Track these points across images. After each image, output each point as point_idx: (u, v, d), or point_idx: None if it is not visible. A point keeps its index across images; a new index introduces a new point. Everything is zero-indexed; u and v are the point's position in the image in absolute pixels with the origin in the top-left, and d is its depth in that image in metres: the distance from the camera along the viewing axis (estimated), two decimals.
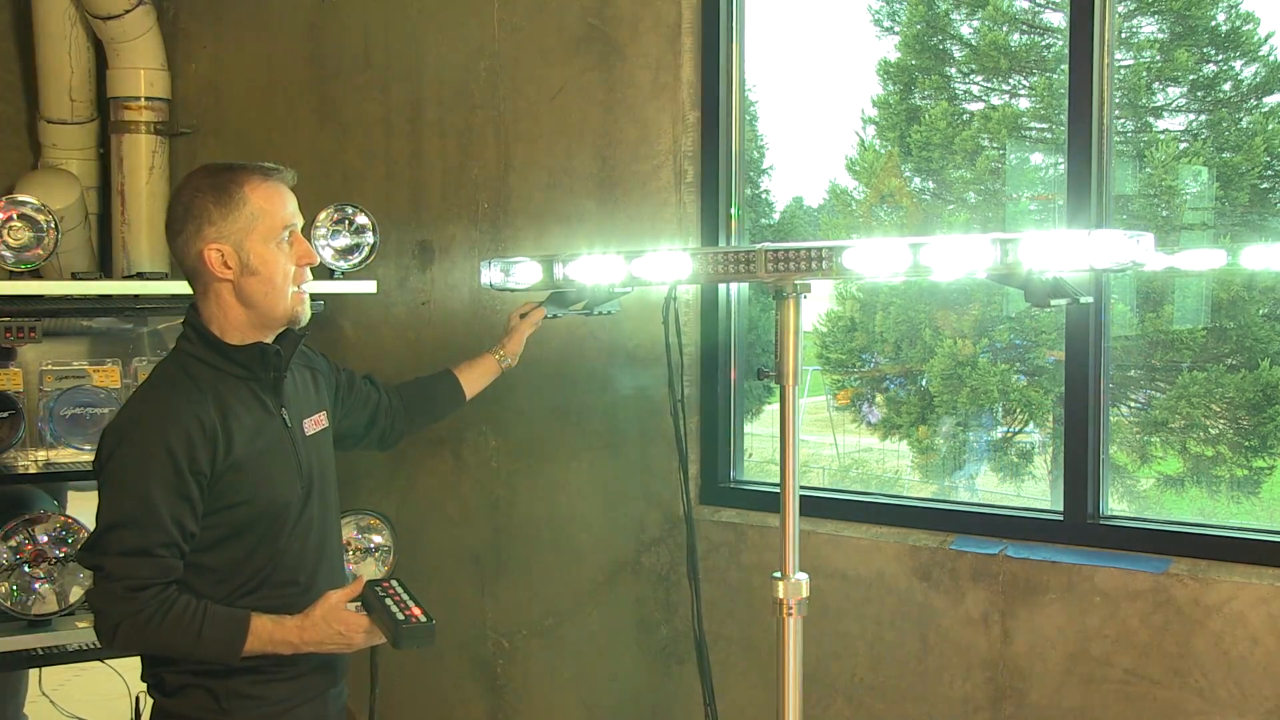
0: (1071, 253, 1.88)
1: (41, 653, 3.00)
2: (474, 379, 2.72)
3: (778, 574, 2.19)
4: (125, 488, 2.03)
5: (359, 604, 2.12)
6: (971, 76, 4.72)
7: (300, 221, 2.17)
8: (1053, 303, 2.01)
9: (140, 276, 3.37)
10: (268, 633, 2.05)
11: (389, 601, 2.09)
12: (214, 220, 2.07)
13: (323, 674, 2.22)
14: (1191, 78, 4.17)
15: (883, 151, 4.77)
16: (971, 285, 4.30)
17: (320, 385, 2.38)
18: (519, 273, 2.54)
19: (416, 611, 2.07)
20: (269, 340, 2.18)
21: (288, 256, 2.13)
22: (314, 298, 3.23)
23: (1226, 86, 4.18)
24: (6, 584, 2.96)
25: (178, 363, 2.14)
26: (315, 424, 2.28)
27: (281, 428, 2.17)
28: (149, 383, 2.16)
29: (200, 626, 2.01)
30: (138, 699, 2.19)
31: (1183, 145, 4.11)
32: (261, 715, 2.14)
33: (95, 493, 2.10)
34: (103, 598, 2.02)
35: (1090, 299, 2.27)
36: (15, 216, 2.94)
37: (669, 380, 2.49)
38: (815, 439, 5.63)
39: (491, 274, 2.60)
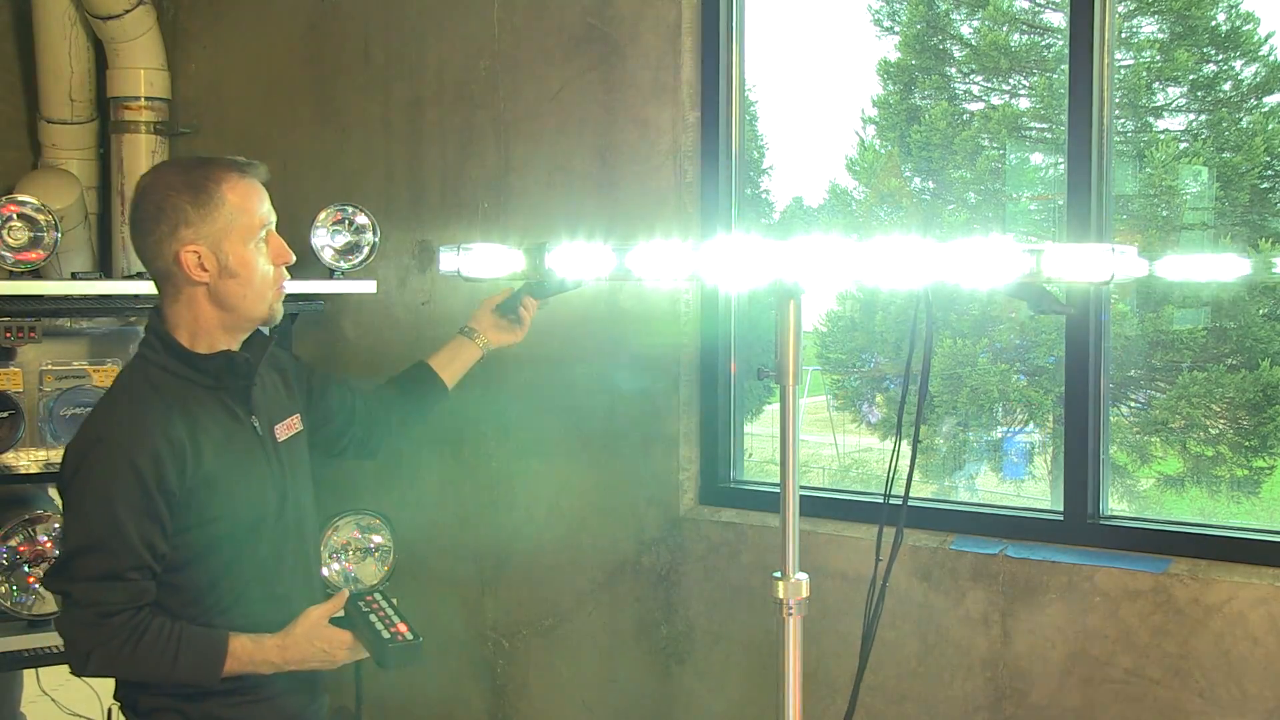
0: (1095, 266, 1.88)
1: (40, 653, 2.99)
2: (450, 366, 2.49)
3: (778, 574, 2.18)
4: (92, 510, 1.92)
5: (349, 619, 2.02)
6: (971, 76, 4.72)
7: (274, 219, 2.05)
8: (1054, 311, 2.02)
9: (140, 276, 3.34)
10: (247, 653, 1.96)
11: (374, 618, 1.98)
12: (191, 221, 1.94)
13: (300, 693, 2.12)
14: (1191, 78, 4.17)
15: (883, 151, 4.77)
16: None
17: (292, 388, 2.24)
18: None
19: (403, 628, 1.95)
20: (239, 341, 2.07)
21: (265, 257, 2.02)
22: (314, 298, 3.28)
23: (1226, 86, 4.18)
24: (6, 584, 2.96)
25: (141, 373, 2.01)
26: (288, 429, 2.16)
27: (252, 437, 2.06)
28: (111, 395, 2.02)
29: (176, 651, 1.92)
30: (109, 711, 2.13)
31: (1183, 145, 4.11)
32: None
33: None
34: (72, 626, 1.92)
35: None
36: (15, 216, 2.93)
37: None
38: (815, 439, 5.63)
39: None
